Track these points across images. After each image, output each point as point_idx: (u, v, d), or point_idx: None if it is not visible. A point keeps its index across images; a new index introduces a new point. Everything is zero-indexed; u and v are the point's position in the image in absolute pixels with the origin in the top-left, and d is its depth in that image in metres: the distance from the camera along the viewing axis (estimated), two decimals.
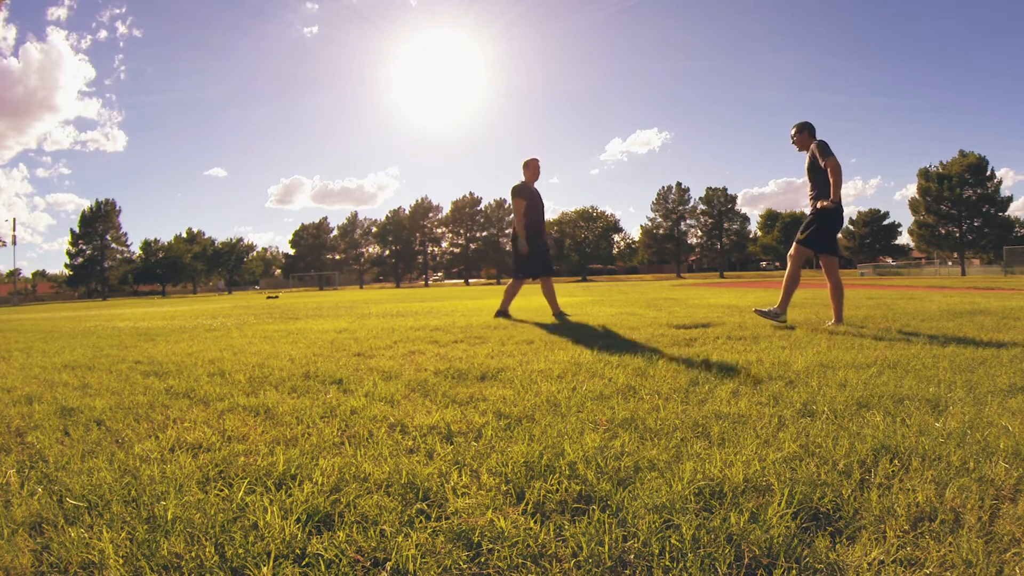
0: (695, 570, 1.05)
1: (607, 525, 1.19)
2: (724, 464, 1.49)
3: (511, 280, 6.70)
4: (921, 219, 54.26)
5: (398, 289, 48.50)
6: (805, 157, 5.02)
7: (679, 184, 70.69)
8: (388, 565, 1.08)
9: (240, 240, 78.36)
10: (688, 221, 71.42)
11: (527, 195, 6.40)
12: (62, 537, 1.20)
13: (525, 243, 6.34)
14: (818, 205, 4.80)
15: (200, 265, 72.67)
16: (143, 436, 1.92)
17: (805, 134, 5.02)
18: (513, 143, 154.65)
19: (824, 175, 4.76)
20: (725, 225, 70.04)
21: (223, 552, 1.13)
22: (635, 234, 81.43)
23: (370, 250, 78.09)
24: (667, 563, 1.07)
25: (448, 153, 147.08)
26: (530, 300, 11.58)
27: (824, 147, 4.77)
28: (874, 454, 1.54)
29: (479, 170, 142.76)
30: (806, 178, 5.03)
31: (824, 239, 4.94)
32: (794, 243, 5.05)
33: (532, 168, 6.52)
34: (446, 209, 75.58)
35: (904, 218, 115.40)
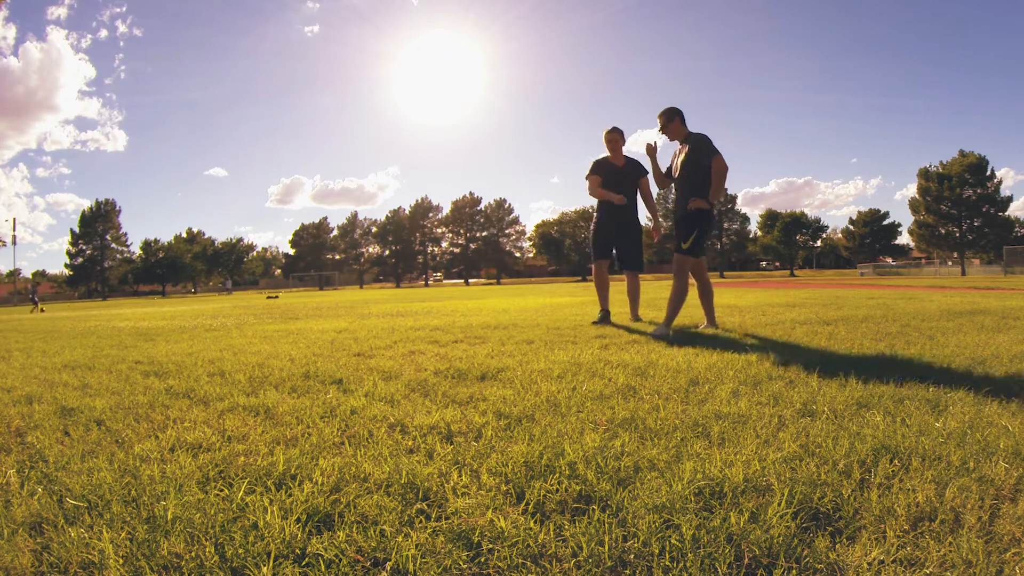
0: (695, 570, 1.04)
1: (607, 525, 1.19)
2: (724, 464, 1.49)
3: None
4: (921, 219, 54.27)
5: (398, 289, 48.50)
6: (679, 148, 4.61)
7: None
8: (388, 565, 1.08)
9: (240, 240, 78.44)
10: None
11: (601, 172, 5.47)
12: (62, 537, 1.20)
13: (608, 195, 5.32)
14: (690, 206, 4.34)
15: (200, 265, 72.69)
16: (143, 436, 1.92)
17: (677, 122, 4.54)
18: (513, 143, 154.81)
19: (704, 173, 4.35)
20: (725, 225, 70.04)
21: (223, 552, 1.13)
22: None
23: (370, 250, 78.12)
24: (667, 563, 1.07)
25: (448, 153, 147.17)
26: (526, 300, 11.59)
27: (709, 143, 4.36)
28: (874, 454, 1.54)
29: (479, 170, 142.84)
30: (678, 171, 4.55)
31: (704, 243, 4.58)
32: (676, 254, 4.52)
33: (609, 141, 5.51)
34: (446, 209, 75.65)
35: (904, 218, 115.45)
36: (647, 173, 5.47)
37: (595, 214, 5.66)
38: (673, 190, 4.77)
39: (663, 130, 4.60)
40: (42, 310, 20.78)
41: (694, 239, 4.43)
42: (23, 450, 1.82)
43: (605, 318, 5.32)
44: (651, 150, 4.81)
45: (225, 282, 71.00)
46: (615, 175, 5.47)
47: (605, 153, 5.54)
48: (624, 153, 5.59)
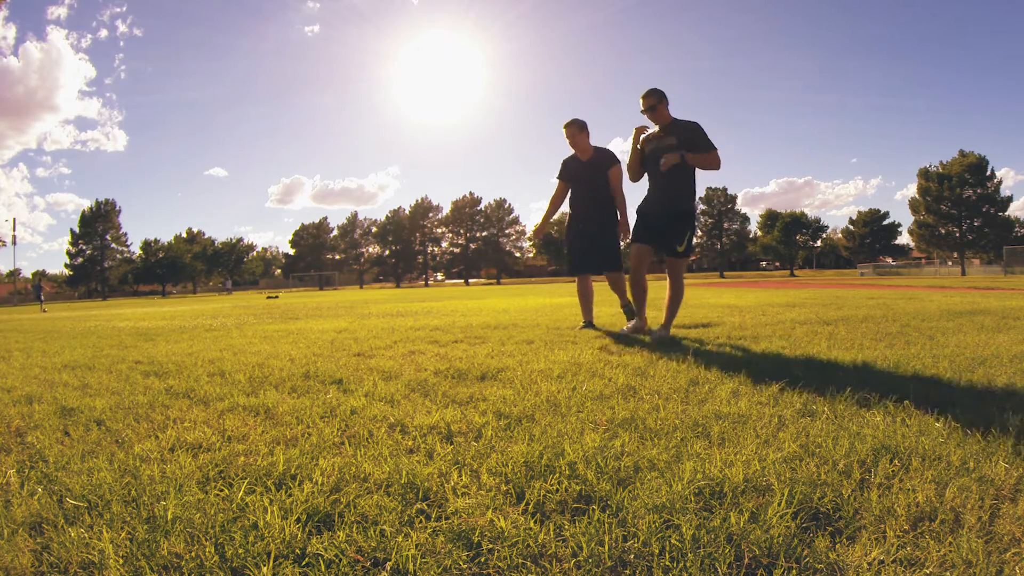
0: (695, 570, 1.04)
1: (607, 525, 1.19)
2: (724, 464, 1.49)
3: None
4: (921, 219, 54.31)
5: (398, 289, 48.51)
6: (653, 133, 4.21)
7: None
8: (388, 565, 1.08)
9: (240, 240, 78.49)
10: None
11: (568, 171, 5.08)
12: (62, 537, 1.20)
13: (542, 233, 5.32)
14: (664, 163, 3.95)
15: (200, 265, 72.73)
16: (143, 436, 1.92)
17: (664, 106, 4.11)
18: (514, 143, 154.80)
19: (689, 166, 4.05)
20: (725, 225, 70.13)
21: (223, 552, 1.13)
22: None
23: (370, 250, 78.15)
24: (667, 563, 1.07)
25: (448, 153, 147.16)
26: (525, 300, 11.59)
27: (704, 134, 4.05)
28: (874, 454, 1.54)
29: (479, 170, 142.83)
30: (650, 157, 4.14)
31: (692, 241, 4.30)
32: (671, 259, 4.20)
33: (568, 136, 5.01)
34: (446, 209, 75.71)
35: (904, 218, 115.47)
36: (617, 163, 4.95)
37: (567, 227, 5.22)
38: (647, 181, 4.33)
39: (651, 113, 4.13)
40: (44, 310, 20.99)
41: (688, 240, 4.17)
42: (23, 450, 1.82)
43: (590, 326, 4.99)
44: (640, 132, 4.29)
45: (225, 282, 71.10)
46: (582, 170, 5.00)
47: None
48: (593, 144, 5.08)
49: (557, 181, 5.16)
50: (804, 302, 7.90)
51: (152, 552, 1.13)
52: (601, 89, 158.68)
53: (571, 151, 5.10)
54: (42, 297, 25.43)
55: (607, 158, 5.00)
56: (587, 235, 4.98)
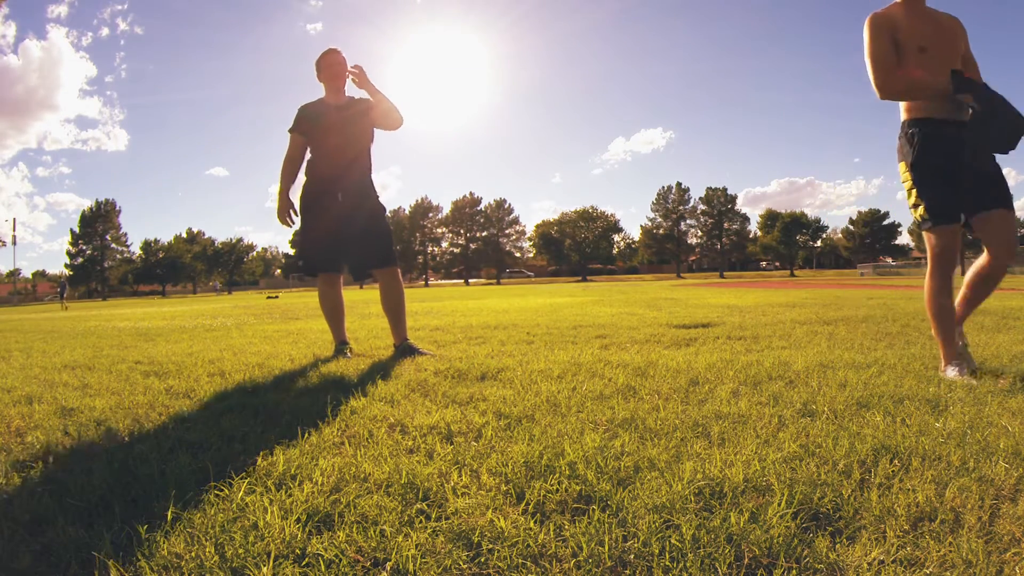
0: (695, 570, 1.04)
1: (607, 525, 1.19)
2: (724, 464, 1.49)
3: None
4: None
5: None
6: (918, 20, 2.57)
7: (679, 184, 71.14)
8: (388, 565, 1.08)
9: (240, 240, 78.52)
10: (688, 221, 71.71)
11: (307, 127, 3.54)
12: (62, 537, 1.20)
13: (287, 210, 3.53)
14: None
15: (200, 265, 72.75)
16: (143, 436, 1.92)
17: None
18: (515, 143, 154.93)
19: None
20: (725, 225, 70.20)
21: (223, 552, 1.13)
22: (635, 234, 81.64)
23: None
24: (667, 563, 1.07)
25: (449, 153, 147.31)
26: (526, 300, 11.58)
27: None
28: (874, 454, 1.54)
29: (479, 170, 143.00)
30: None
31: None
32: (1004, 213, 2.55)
33: (327, 68, 3.56)
34: (446, 209, 75.75)
35: (905, 218, 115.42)
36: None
37: (300, 201, 3.63)
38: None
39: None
40: (65, 307, 23.32)
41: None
42: (23, 450, 1.82)
43: (343, 350, 3.70)
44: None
45: (215, 283, 71.11)
46: (335, 118, 3.53)
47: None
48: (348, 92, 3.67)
49: (296, 136, 3.58)
50: (804, 302, 7.90)
51: (152, 552, 1.13)
52: (602, 89, 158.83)
53: (314, 101, 3.63)
54: (64, 296, 29.72)
55: (368, 105, 3.59)
56: (338, 228, 3.56)
